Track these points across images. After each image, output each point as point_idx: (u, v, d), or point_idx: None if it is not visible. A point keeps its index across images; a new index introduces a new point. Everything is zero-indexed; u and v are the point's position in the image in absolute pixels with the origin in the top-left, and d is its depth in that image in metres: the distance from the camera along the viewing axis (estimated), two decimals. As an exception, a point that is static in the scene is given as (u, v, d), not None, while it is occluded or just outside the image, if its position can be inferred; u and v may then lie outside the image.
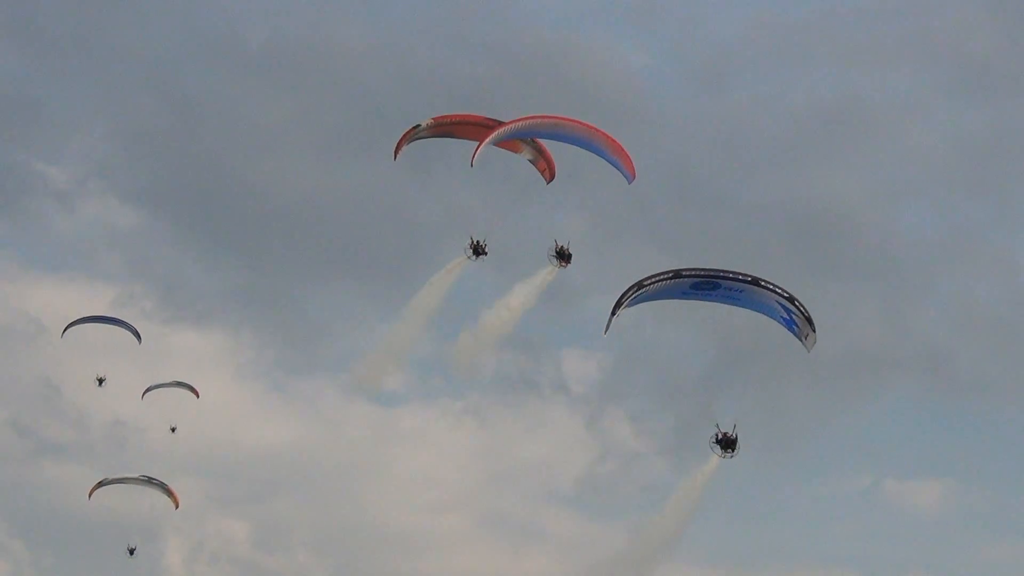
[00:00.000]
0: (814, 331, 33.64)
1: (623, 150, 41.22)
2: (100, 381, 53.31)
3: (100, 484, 50.08)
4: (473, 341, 44.49)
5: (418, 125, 41.98)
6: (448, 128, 42.49)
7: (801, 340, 34.16)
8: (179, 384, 51.87)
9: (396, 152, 42.19)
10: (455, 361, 44.96)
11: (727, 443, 35.56)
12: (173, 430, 54.14)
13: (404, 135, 42.09)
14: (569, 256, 43.23)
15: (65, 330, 49.57)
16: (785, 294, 33.39)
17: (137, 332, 50.24)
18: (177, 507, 51.30)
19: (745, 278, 33.39)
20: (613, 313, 33.87)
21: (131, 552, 50.71)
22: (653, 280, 33.63)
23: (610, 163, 41.72)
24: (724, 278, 33.53)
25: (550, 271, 43.15)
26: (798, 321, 33.82)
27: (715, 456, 35.71)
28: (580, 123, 40.99)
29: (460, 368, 45.61)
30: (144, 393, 51.30)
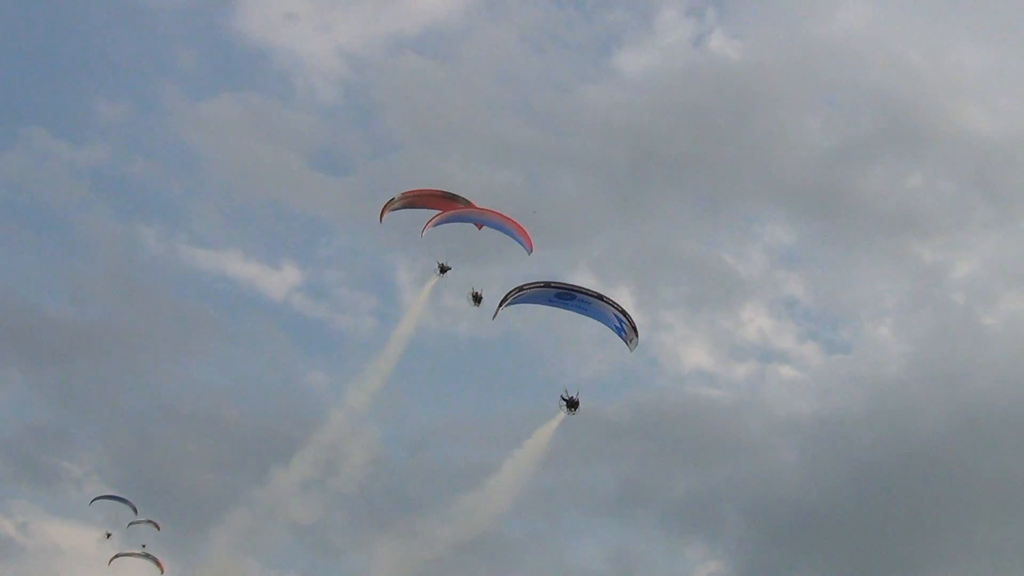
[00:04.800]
0: (637, 336, 46.60)
1: (524, 230, 55.10)
2: (108, 535, 69.48)
3: (116, 556, 67.40)
4: None
5: (392, 199, 56.45)
6: (412, 199, 56.92)
7: (626, 342, 46.94)
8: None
9: (380, 217, 56.49)
10: None
11: (571, 403, 47.92)
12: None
13: (384, 206, 56.37)
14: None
15: (93, 501, 68.43)
16: (619, 308, 46.28)
17: (135, 507, 67.56)
18: (162, 572, 67.41)
19: (593, 293, 46.20)
20: (500, 305, 46.42)
21: None
22: (530, 286, 46.14)
23: (514, 239, 55.48)
24: (579, 291, 46.17)
25: None
26: (625, 328, 46.65)
27: (561, 412, 47.92)
28: (494, 212, 55.38)
29: None
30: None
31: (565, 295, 46.52)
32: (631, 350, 46.98)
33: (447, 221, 55.82)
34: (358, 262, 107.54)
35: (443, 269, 58.66)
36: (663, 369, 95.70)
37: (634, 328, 46.42)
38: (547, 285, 46.25)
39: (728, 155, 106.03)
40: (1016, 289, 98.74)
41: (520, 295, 46.36)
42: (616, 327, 46.91)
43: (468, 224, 57.45)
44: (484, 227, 56.81)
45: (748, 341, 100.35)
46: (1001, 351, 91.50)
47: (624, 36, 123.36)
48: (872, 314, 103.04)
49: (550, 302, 47.03)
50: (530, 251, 54.72)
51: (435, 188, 57.27)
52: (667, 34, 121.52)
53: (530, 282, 46.36)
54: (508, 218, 55.00)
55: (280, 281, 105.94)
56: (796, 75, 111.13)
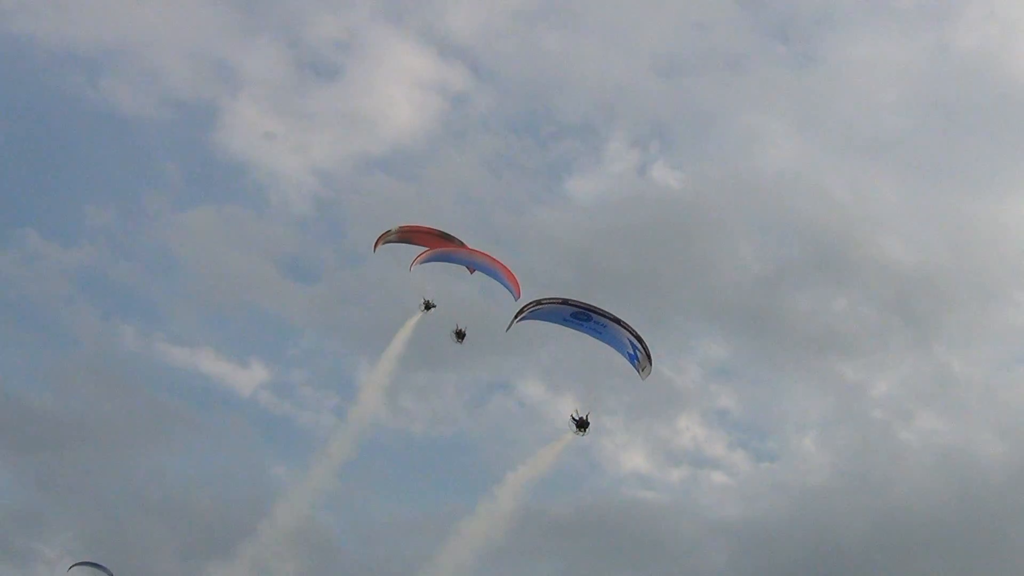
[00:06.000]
0: (651, 364, 44.89)
1: (513, 276, 54.19)
2: None
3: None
4: None
5: (389, 230, 55.82)
6: (408, 235, 56.09)
7: (638, 371, 45.16)
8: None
9: (375, 247, 55.85)
10: None
11: (581, 423, 45.60)
12: None
13: (380, 237, 55.76)
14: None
15: (71, 568, 66.52)
16: (635, 334, 44.60)
17: (111, 573, 66.07)
18: None
19: (610, 316, 44.42)
20: (515, 318, 44.30)
21: None
22: (547, 300, 44.24)
23: (502, 284, 54.27)
24: (595, 312, 44.34)
25: None
26: (639, 356, 44.87)
27: (570, 432, 45.52)
28: (485, 254, 54.64)
29: None
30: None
31: (581, 315, 44.83)
32: (643, 379, 45.23)
33: (436, 259, 54.77)
34: (322, 363, 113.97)
35: (428, 306, 57.42)
36: (603, 471, 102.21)
37: (648, 356, 44.72)
38: (565, 302, 44.47)
39: (668, 276, 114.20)
40: (930, 407, 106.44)
41: (536, 310, 44.50)
42: (629, 354, 45.21)
43: (456, 265, 56.77)
44: (475, 271, 56.16)
45: (683, 448, 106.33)
46: (916, 464, 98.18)
47: (575, 164, 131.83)
48: (797, 426, 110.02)
49: (565, 321, 45.22)
50: (517, 297, 53.62)
51: (432, 227, 56.59)
52: (614, 163, 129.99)
53: (547, 297, 44.60)
54: (498, 262, 54.06)
55: (248, 379, 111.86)
56: (731, 205, 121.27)
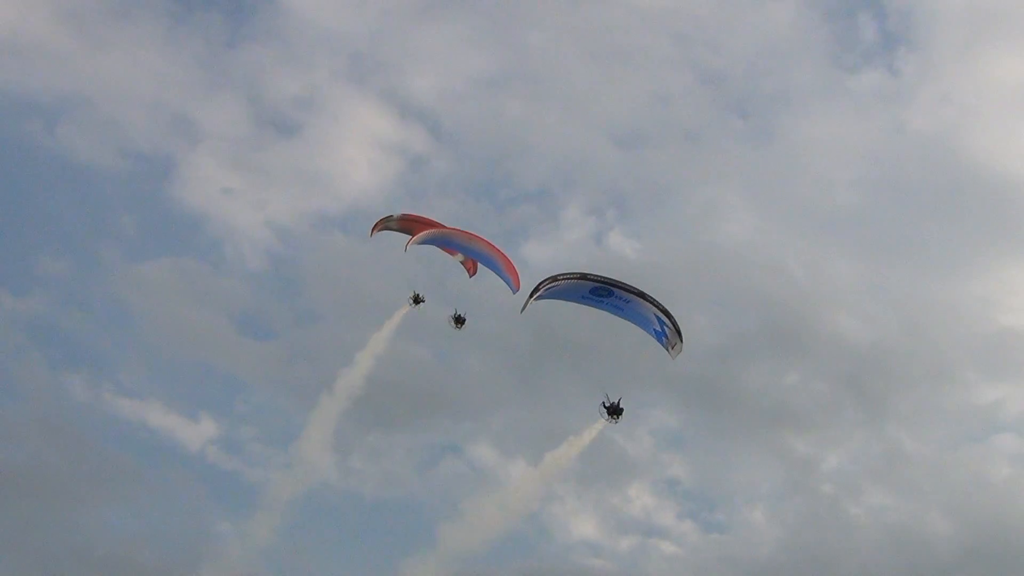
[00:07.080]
0: (681, 341, 40.80)
1: (512, 267, 50.72)
2: None
3: None
4: None
5: (391, 216, 53.16)
6: (409, 224, 52.93)
7: (667, 349, 41.02)
8: None
9: (372, 232, 53.25)
10: None
11: (613, 410, 41.01)
12: None
13: (379, 221, 53.17)
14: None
15: None
16: (662, 308, 40.62)
17: None
18: None
19: (633, 289, 40.57)
20: (530, 297, 40.10)
21: None
22: (564, 277, 40.16)
23: (500, 275, 50.82)
24: (617, 286, 40.38)
25: None
26: (668, 332, 40.79)
27: (602, 420, 40.85)
28: (482, 239, 51.42)
29: None
30: None
31: (602, 290, 40.91)
32: (673, 358, 41.07)
33: (432, 242, 51.70)
34: (272, 420, 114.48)
35: (416, 300, 55.05)
36: (552, 538, 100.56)
37: (678, 332, 40.70)
38: (583, 277, 40.47)
39: (622, 345, 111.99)
40: (880, 483, 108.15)
41: (553, 287, 40.38)
42: (656, 331, 41.18)
43: (455, 263, 54.19)
44: (476, 271, 53.60)
45: (632, 517, 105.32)
46: (865, 539, 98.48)
47: (532, 230, 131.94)
48: (747, 499, 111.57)
49: (584, 299, 41.22)
50: (516, 290, 50.27)
51: (436, 220, 53.62)
52: (571, 230, 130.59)
53: (565, 273, 40.56)
54: (497, 250, 50.70)
55: (197, 433, 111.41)
56: (687, 276, 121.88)
